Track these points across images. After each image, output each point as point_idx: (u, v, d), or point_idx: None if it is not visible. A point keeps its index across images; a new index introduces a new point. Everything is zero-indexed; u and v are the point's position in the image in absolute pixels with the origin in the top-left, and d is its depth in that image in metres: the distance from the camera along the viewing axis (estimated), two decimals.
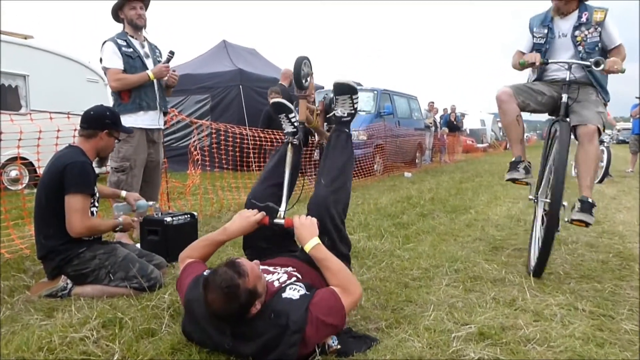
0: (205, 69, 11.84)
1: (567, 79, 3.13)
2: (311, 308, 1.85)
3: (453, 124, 17.55)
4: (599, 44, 3.17)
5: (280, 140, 7.05)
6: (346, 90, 2.66)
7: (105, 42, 3.88)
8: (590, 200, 3.00)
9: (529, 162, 3.35)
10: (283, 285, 2.01)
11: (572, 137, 3.15)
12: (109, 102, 4.21)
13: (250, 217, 2.31)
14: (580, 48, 3.19)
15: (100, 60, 3.90)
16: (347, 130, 2.67)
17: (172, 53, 3.98)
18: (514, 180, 3.32)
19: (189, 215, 3.61)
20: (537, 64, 3.15)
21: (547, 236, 2.89)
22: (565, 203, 2.96)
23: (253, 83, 11.47)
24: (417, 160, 13.13)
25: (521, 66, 3.22)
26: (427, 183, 8.84)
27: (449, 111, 18.26)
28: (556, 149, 3.00)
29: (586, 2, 3.25)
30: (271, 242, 2.46)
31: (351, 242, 2.58)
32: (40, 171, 3.27)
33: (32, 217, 2.92)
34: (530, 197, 3.48)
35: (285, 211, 2.42)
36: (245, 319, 1.86)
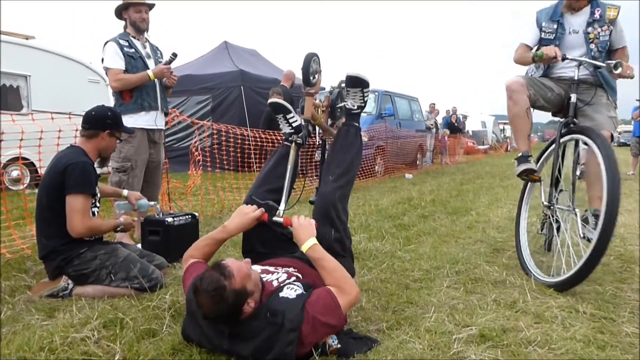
0: (207, 69, 11.85)
1: (576, 77, 2.98)
2: (307, 307, 1.85)
3: (454, 126, 17.56)
4: (608, 43, 3.05)
5: (280, 141, 7.05)
6: (358, 83, 2.68)
7: (107, 42, 3.89)
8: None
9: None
10: (281, 284, 2.02)
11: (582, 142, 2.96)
12: (110, 102, 4.22)
13: (249, 213, 2.32)
14: (592, 46, 3.04)
15: (102, 60, 3.91)
16: (357, 124, 2.69)
17: (174, 55, 3.99)
18: (527, 173, 3.09)
19: (190, 216, 3.61)
20: (559, 58, 2.94)
21: (590, 265, 2.59)
22: (577, 210, 2.86)
23: (254, 84, 11.48)
24: (418, 162, 13.14)
25: (538, 59, 2.98)
26: (428, 184, 8.85)
27: (451, 112, 18.26)
28: (606, 171, 2.57)
29: None
30: (269, 246, 2.46)
31: (352, 243, 2.60)
32: (42, 171, 3.28)
33: (34, 217, 2.92)
34: (545, 203, 3.15)
35: (284, 210, 2.42)
36: (240, 319, 1.86)
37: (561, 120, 3.16)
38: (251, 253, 2.45)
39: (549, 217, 3.18)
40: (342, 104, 2.72)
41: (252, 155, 7.46)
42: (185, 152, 8.81)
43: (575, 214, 2.88)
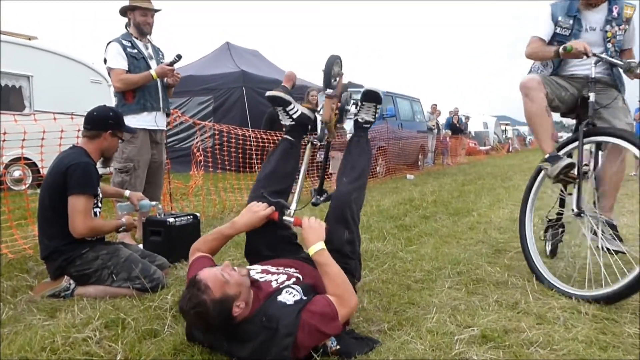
0: (208, 70, 11.87)
1: (593, 75, 2.81)
2: (303, 315, 1.84)
3: (456, 127, 17.54)
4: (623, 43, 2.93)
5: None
6: (374, 98, 2.69)
7: (109, 42, 3.90)
8: (615, 223, 2.78)
9: None
10: (280, 286, 2.01)
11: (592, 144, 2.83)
12: (112, 103, 4.22)
13: (259, 211, 2.30)
14: (609, 45, 2.90)
15: (105, 60, 3.91)
16: (366, 135, 2.73)
17: (179, 57, 4.00)
18: (568, 170, 2.74)
19: (191, 216, 3.61)
20: (589, 54, 2.74)
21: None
22: (603, 217, 2.74)
23: (256, 84, 11.49)
24: (419, 163, 13.13)
25: (565, 53, 2.78)
26: (430, 185, 8.84)
27: (453, 113, 18.25)
28: None
29: None
30: (274, 249, 2.43)
31: None
32: (44, 172, 3.28)
33: (35, 218, 2.93)
34: (575, 209, 2.81)
35: (295, 210, 2.39)
36: (235, 324, 1.85)
37: (574, 121, 3.03)
38: (255, 255, 2.45)
39: (577, 225, 2.88)
40: (354, 116, 2.73)
41: (254, 156, 7.47)
42: (187, 153, 8.82)
43: (602, 222, 2.71)
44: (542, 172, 3.04)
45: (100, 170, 2.94)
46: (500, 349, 2.05)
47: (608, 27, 2.91)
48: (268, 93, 2.71)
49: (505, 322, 2.32)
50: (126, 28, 4.01)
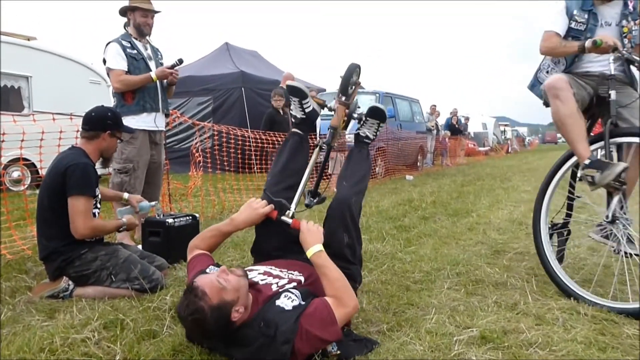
0: (208, 71, 11.88)
1: (612, 72, 2.67)
2: (302, 321, 1.82)
3: (455, 127, 17.56)
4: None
5: (281, 143, 7.05)
6: (379, 116, 2.72)
7: (109, 43, 3.90)
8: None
9: None
10: (280, 290, 1.99)
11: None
12: (111, 103, 4.22)
13: (258, 208, 2.28)
14: (626, 41, 2.78)
15: (104, 61, 3.91)
16: (367, 148, 2.76)
17: (180, 61, 4.00)
18: (620, 175, 2.51)
19: (190, 217, 3.61)
20: (621, 49, 2.62)
21: None
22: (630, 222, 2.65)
23: (255, 85, 11.50)
24: (418, 163, 13.15)
25: (594, 48, 2.63)
26: (429, 186, 8.84)
27: (451, 115, 18.28)
28: None
29: None
30: (283, 249, 2.39)
31: None
32: (43, 172, 3.28)
33: (34, 218, 2.93)
34: (609, 215, 2.65)
35: (294, 211, 2.37)
36: (233, 329, 1.84)
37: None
38: (261, 254, 2.44)
39: (610, 232, 2.69)
40: (359, 128, 2.75)
41: (253, 157, 7.47)
42: (186, 153, 8.82)
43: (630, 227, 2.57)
44: (558, 176, 2.91)
45: (100, 171, 2.94)
46: (500, 349, 2.05)
47: (624, 22, 2.80)
48: (289, 83, 2.75)
49: (505, 323, 2.32)
50: (125, 28, 4.01)
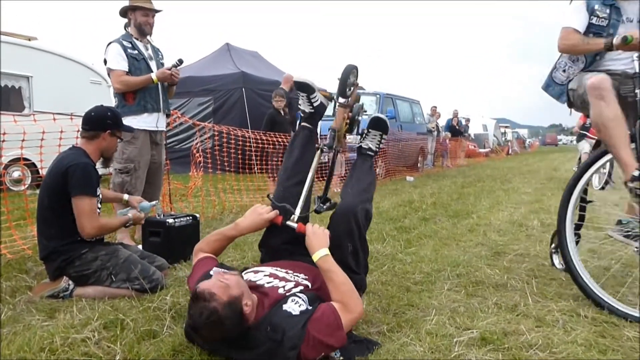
0: (208, 71, 11.88)
1: (637, 70, 2.56)
2: (309, 326, 1.82)
3: (455, 129, 17.56)
4: None
5: (282, 143, 7.06)
6: (381, 127, 2.72)
7: (110, 43, 3.90)
8: None
9: None
10: (287, 294, 1.99)
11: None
12: (112, 103, 4.22)
13: (263, 214, 2.29)
14: None
15: (105, 61, 3.91)
16: (371, 160, 2.76)
17: (180, 61, 3.99)
18: None
19: (190, 217, 3.61)
20: None
21: None
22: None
23: (256, 86, 11.50)
24: (419, 165, 13.14)
25: (623, 45, 2.52)
26: (429, 187, 8.84)
27: (452, 116, 18.28)
28: None
29: None
30: (293, 243, 2.37)
31: None
32: (43, 172, 3.28)
33: (34, 218, 2.93)
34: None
35: (298, 215, 2.35)
36: (247, 326, 1.84)
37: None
38: (269, 249, 2.44)
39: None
40: (361, 140, 2.76)
41: (253, 157, 7.47)
42: (187, 154, 8.82)
43: None
44: (582, 182, 2.76)
45: (101, 171, 2.94)
46: (500, 351, 2.05)
47: None
48: (297, 78, 2.76)
49: (505, 324, 2.32)
50: (125, 29, 4.01)
